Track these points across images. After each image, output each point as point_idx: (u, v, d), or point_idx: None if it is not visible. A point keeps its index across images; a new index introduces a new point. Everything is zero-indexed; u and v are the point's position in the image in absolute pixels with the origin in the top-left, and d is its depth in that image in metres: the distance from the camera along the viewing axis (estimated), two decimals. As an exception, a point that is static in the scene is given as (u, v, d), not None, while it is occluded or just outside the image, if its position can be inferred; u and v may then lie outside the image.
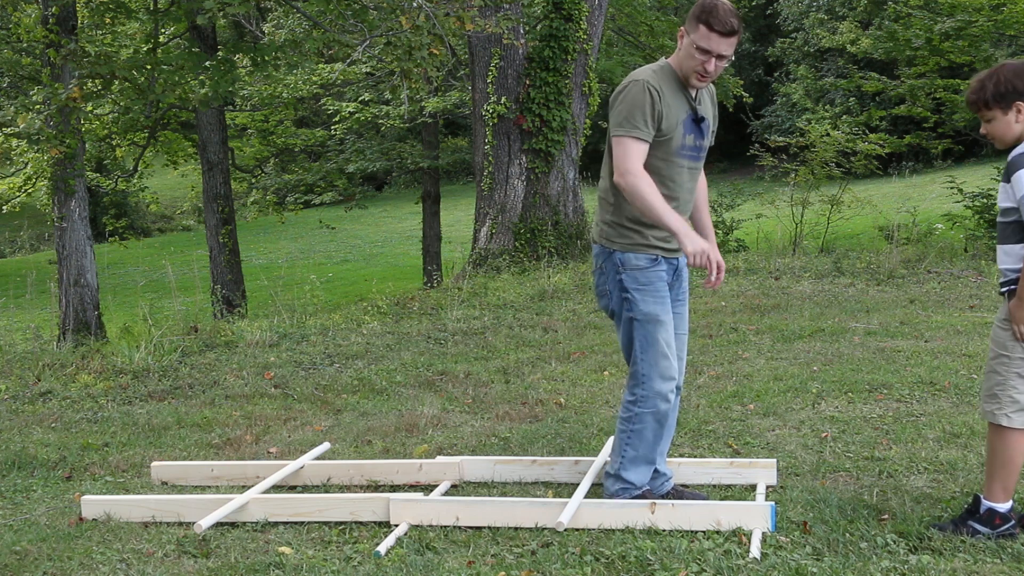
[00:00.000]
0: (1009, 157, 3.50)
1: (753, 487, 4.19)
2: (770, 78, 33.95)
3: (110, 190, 20.83)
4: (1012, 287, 3.51)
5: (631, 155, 3.72)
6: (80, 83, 10.86)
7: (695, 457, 4.64)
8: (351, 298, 14.44)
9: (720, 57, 3.72)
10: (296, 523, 4.04)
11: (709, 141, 3.97)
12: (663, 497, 4.04)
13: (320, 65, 17.50)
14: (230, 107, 17.39)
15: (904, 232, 12.59)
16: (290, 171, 20.88)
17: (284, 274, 11.48)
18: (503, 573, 3.46)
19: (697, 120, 3.86)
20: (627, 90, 3.76)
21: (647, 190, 3.67)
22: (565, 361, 6.94)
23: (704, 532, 3.69)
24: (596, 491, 4.14)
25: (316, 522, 4.03)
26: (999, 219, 3.60)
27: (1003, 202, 3.55)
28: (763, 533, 3.65)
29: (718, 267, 3.63)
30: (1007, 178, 3.52)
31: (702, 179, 4.08)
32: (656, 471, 4.09)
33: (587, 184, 13.21)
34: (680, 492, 4.11)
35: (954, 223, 12.80)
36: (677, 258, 3.97)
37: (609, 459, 4.12)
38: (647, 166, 3.75)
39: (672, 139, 3.79)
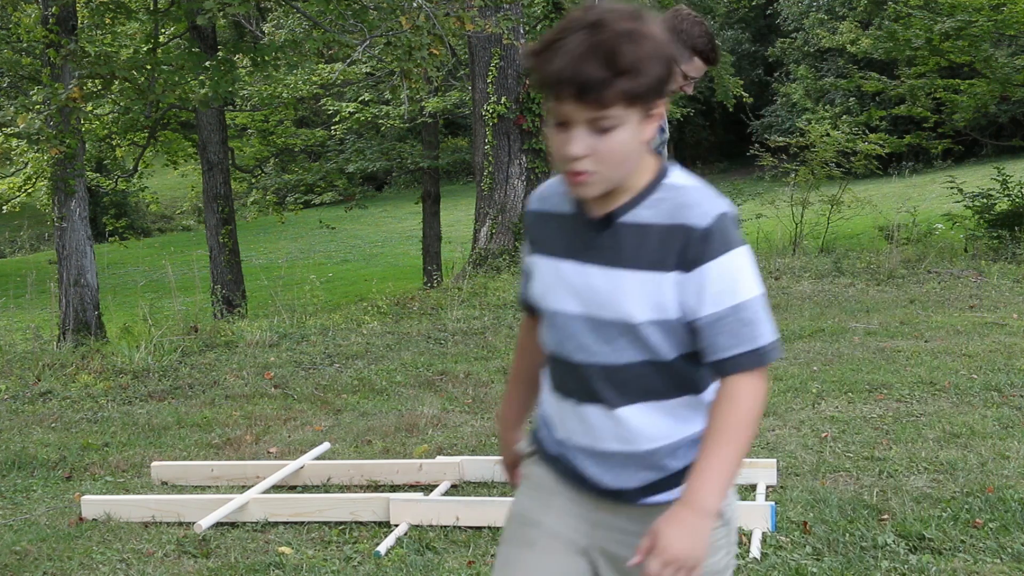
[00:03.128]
0: (697, 221, 1.78)
1: (753, 487, 4.19)
2: (770, 78, 33.96)
3: (110, 190, 20.85)
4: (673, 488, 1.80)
5: None
6: (80, 83, 10.85)
7: (695, 457, 4.63)
8: (351, 298, 14.43)
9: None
10: (296, 523, 4.04)
11: None
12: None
13: (320, 65, 17.49)
14: (230, 107, 17.38)
15: (904, 232, 12.58)
16: (290, 171, 20.86)
17: (284, 274, 11.45)
18: (503, 573, 3.46)
19: None
20: None
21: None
22: (565, 361, 6.93)
23: (704, 532, 3.69)
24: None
25: (316, 522, 4.03)
26: (633, 359, 1.78)
27: (646, 313, 1.76)
28: (763, 533, 3.65)
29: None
30: (674, 263, 1.77)
31: None
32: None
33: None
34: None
35: (954, 223, 12.80)
36: None
37: None
38: None
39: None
